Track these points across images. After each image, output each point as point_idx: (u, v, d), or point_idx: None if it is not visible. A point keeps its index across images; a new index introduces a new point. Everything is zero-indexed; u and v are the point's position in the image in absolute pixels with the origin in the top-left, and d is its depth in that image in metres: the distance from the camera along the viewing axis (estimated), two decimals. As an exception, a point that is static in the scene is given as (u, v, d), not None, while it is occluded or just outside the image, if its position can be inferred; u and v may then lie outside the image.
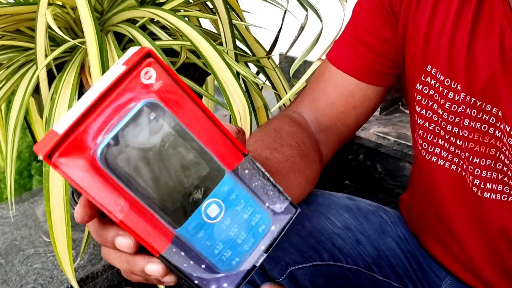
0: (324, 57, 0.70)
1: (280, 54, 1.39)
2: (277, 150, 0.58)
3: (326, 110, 0.67)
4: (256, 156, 0.56)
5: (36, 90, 0.80)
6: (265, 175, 0.38)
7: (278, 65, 0.90)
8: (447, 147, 0.63)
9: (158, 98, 0.33)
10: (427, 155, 0.65)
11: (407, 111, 1.20)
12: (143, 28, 0.82)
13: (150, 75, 0.33)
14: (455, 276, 0.71)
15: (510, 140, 0.56)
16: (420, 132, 0.65)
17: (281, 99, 0.85)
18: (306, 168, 0.61)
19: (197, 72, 0.83)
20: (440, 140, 0.63)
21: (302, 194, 0.63)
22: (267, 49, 0.89)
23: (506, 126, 0.56)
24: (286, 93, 0.86)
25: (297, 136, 0.63)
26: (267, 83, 0.88)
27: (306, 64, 1.21)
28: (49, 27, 0.75)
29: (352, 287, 0.70)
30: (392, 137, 1.11)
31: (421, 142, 0.66)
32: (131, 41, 0.84)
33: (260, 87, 0.87)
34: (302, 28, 0.85)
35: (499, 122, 0.57)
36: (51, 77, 0.79)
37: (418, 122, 0.65)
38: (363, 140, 1.11)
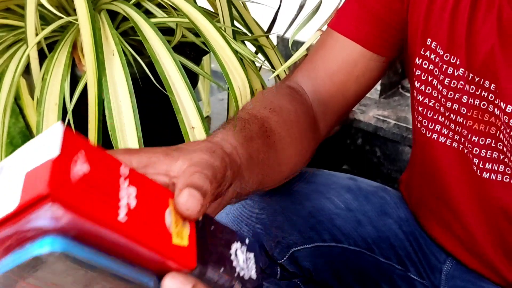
0: (324, 28, 0.68)
1: (277, 36, 1.36)
2: (275, 112, 0.56)
3: (326, 80, 0.65)
4: (255, 114, 0.54)
5: (27, 71, 0.78)
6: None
7: (276, 46, 0.88)
8: (448, 124, 0.61)
9: (66, 232, 0.27)
10: (427, 133, 0.64)
11: (407, 94, 1.19)
12: (138, 5, 0.80)
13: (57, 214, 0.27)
14: (456, 259, 0.70)
15: (505, 118, 0.54)
16: (420, 108, 0.63)
17: (280, 80, 0.83)
18: (303, 139, 0.59)
19: (194, 51, 0.81)
20: (440, 117, 0.62)
21: (294, 167, 0.60)
22: (265, 30, 0.87)
23: (502, 103, 0.54)
24: (286, 74, 0.84)
25: (296, 101, 0.61)
26: (266, 63, 0.86)
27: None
28: (39, 4, 0.72)
29: (353, 269, 0.69)
30: (391, 120, 1.09)
31: (420, 119, 0.64)
32: (126, 20, 0.82)
33: (259, 67, 0.85)
34: (301, 7, 0.83)
35: (498, 100, 0.55)
36: (42, 58, 0.77)
37: (418, 98, 0.63)
38: (362, 123, 1.10)
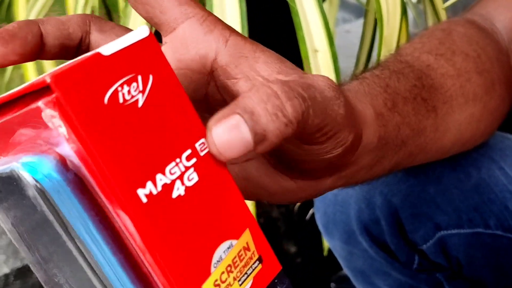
0: None
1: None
2: (444, 57, 0.41)
3: None
4: (410, 60, 0.38)
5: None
6: None
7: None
8: None
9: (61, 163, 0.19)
10: None
11: None
12: None
13: (59, 124, 0.19)
14: None
15: None
16: None
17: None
18: (486, 93, 0.42)
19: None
20: None
21: (473, 133, 0.43)
22: None
23: None
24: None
25: (476, 42, 0.44)
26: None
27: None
28: None
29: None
30: None
31: None
32: None
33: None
34: None
35: None
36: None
37: None
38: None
